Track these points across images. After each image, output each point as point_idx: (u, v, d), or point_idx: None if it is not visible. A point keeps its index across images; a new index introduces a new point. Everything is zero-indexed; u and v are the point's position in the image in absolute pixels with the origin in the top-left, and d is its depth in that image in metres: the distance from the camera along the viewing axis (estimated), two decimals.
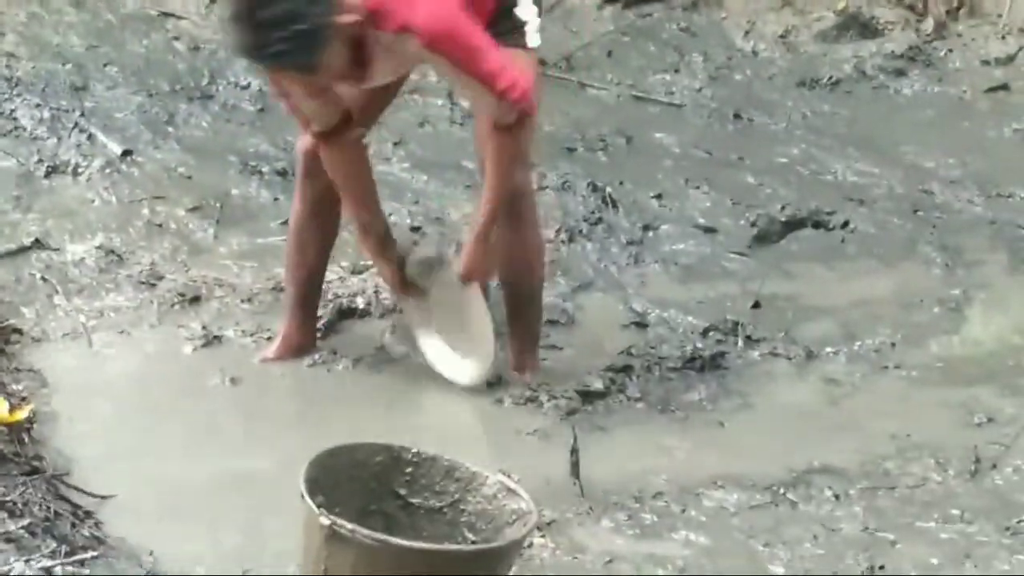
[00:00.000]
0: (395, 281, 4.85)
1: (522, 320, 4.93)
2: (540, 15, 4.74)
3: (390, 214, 5.69)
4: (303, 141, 4.83)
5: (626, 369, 5.00)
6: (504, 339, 4.92)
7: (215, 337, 5.04)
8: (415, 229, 5.77)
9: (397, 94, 4.99)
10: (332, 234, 4.96)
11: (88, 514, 3.96)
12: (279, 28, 4.17)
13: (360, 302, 5.24)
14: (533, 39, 4.70)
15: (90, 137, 6.19)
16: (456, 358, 4.84)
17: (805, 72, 7.38)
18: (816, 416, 4.86)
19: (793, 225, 6.04)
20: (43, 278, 5.31)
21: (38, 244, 5.49)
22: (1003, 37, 7.54)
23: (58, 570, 3.60)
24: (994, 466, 4.45)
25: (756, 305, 5.48)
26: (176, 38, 7.13)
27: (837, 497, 4.28)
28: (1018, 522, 4.16)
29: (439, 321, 4.85)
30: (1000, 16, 7.61)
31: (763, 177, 6.39)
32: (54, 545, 3.69)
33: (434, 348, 4.88)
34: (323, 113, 4.63)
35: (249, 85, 6.71)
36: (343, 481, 3.70)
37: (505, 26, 4.63)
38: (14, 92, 6.44)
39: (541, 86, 4.81)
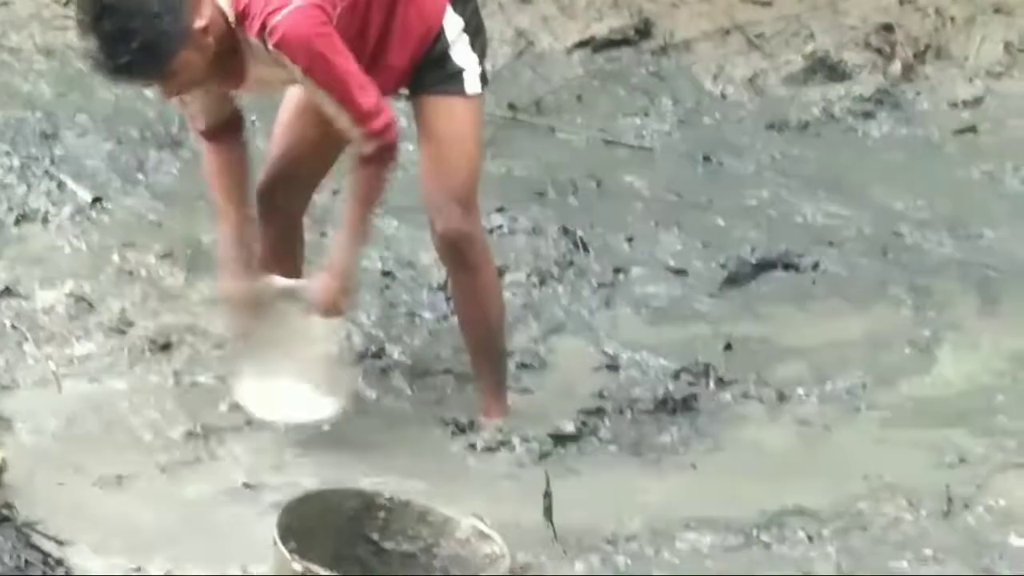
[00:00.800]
0: (233, 295, 4.74)
1: (485, 363, 4.92)
2: (483, 62, 4.70)
3: (361, 258, 5.71)
4: (259, 183, 4.82)
5: (598, 412, 5.00)
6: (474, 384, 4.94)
7: (186, 384, 5.02)
8: (386, 274, 5.76)
9: (341, 151, 4.96)
10: (296, 274, 4.94)
11: (59, 562, 3.94)
12: (124, 40, 4.13)
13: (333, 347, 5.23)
14: (472, 86, 4.67)
15: (60, 185, 6.17)
16: (275, 392, 4.70)
17: (774, 115, 7.41)
18: (788, 457, 4.86)
19: (763, 267, 6.05)
20: (13, 326, 5.28)
21: (8, 292, 5.47)
22: (970, 80, 7.58)
23: None
24: (966, 506, 4.45)
25: (727, 347, 5.49)
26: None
27: (810, 538, 4.28)
28: (990, 562, 4.17)
29: (270, 354, 4.71)
30: (967, 59, 7.66)
31: (733, 219, 6.40)
32: None
33: (251, 378, 4.73)
34: (210, 111, 4.61)
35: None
36: (316, 527, 3.69)
37: (441, 73, 4.63)
38: None
39: (483, 131, 4.84)
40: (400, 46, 4.57)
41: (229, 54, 4.37)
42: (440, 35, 4.62)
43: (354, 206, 4.60)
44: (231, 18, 4.33)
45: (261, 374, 4.73)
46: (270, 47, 4.32)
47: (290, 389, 4.70)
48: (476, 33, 4.69)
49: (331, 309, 4.66)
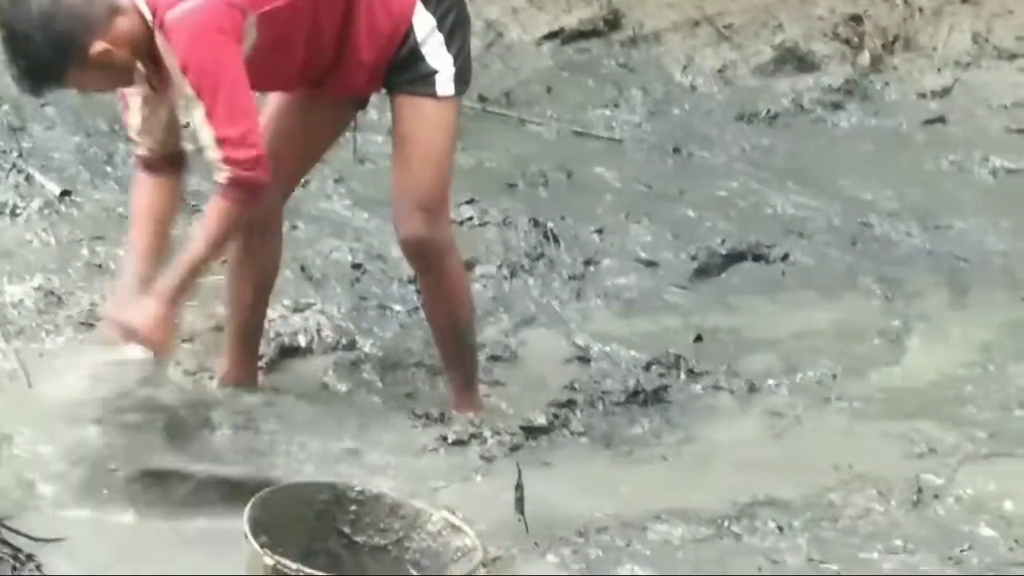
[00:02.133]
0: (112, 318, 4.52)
1: (454, 361, 4.90)
2: (459, 61, 4.58)
3: (331, 251, 5.70)
4: None
5: (569, 404, 5.00)
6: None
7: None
8: (356, 266, 5.75)
9: (328, 148, 4.95)
10: (270, 272, 4.91)
11: (30, 557, 3.93)
12: (12, 63, 4.27)
13: (302, 340, 5.22)
14: (444, 88, 4.56)
15: (28, 178, 6.15)
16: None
17: (743, 106, 7.43)
18: (759, 449, 4.87)
19: (733, 258, 6.06)
20: None
21: None
22: (939, 70, 7.61)
23: None
24: (936, 496, 4.47)
25: (698, 339, 5.49)
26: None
27: (781, 529, 4.29)
28: (961, 551, 4.19)
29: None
30: (935, 49, 7.69)
31: (703, 211, 6.42)
32: None
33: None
34: (155, 136, 4.53)
35: (187, 125, 6.68)
36: (287, 520, 3.69)
37: (412, 73, 4.55)
38: None
39: (460, 131, 4.74)
40: (368, 43, 4.51)
41: (155, 59, 4.35)
42: (409, 33, 4.53)
43: (196, 238, 4.36)
44: (148, 19, 4.31)
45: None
46: (159, 37, 4.27)
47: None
48: (452, 31, 4.57)
49: (150, 336, 4.35)
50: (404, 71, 4.56)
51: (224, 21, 4.26)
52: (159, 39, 4.30)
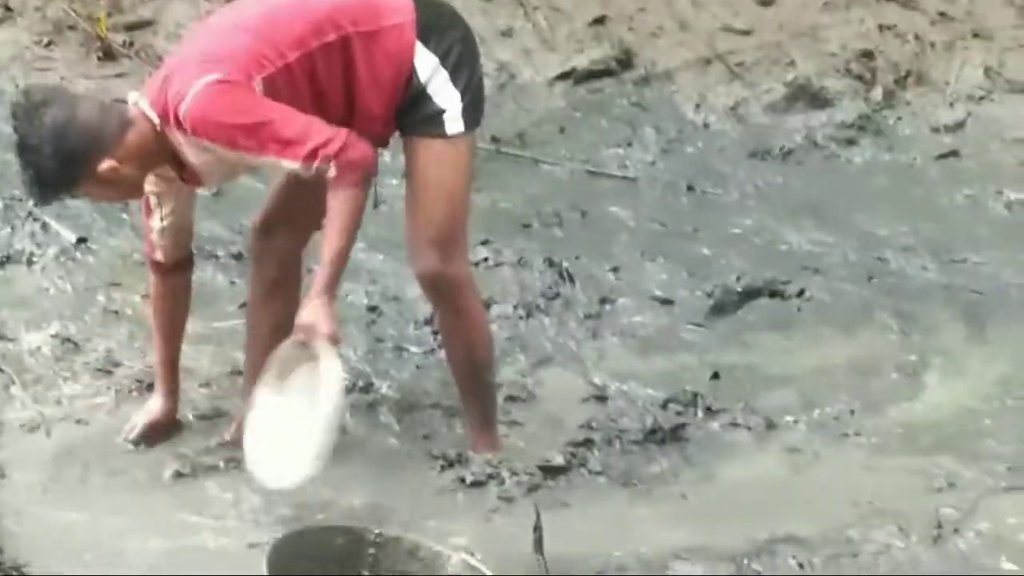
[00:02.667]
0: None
1: (473, 399, 4.90)
2: (467, 99, 4.58)
3: (347, 294, 5.70)
4: (253, 225, 4.84)
5: (587, 443, 5.00)
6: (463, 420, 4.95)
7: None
8: (372, 308, 5.76)
9: None
10: (289, 317, 4.90)
11: None
12: (25, 167, 4.39)
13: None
14: (453, 126, 4.58)
15: (44, 226, 6.17)
16: (281, 454, 4.44)
17: (756, 143, 7.43)
18: (778, 485, 4.86)
19: (749, 295, 6.05)
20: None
21: None
22: (951, 104, 7.61)
23: None
24: (956, 531, 4.45)
25: (715, 376, 5.49)
26: None
27: (801, 566, 4.28)
28: None
29: (281, 414, 4.48)
30: (948, 84, 7.69)
31: (718, 248, 6.41)
32: None
33: (258, 441, 4.47)
34: (171, 240, 4.72)
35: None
36: (305, 565, 3.69)
37: (420, 114, 4.56)
38: None
39: (468, 166, 4.72)
40: (375, 93, 4.51)
41: (172, 155, 4.45)
42: (413, 74, 4.54)
43: (331, 233, 4.46)
44: (156, 123, 4.39)
45: (263, 428, 4.51)
46: (189, 136, 4.37)
47: (279, 447, 4.46)
48: (457, 67, 4.57)
49: (319, 331, 4.43)
50: (412, 112, 4.57)
51: (226, 87, 4.33)
52: (181, 137, 4.37)
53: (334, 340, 4.42)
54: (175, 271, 4.79)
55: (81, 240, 6.09)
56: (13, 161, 6.45)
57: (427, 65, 4.55)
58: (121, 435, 4.91)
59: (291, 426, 4.40)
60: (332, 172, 4.38)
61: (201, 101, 4.31)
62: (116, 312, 5.65)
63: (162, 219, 4.68)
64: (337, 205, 4.43)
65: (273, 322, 4.88)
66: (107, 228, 6.23)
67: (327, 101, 4.47)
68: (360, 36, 4.49)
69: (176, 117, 4.34)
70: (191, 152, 4.42)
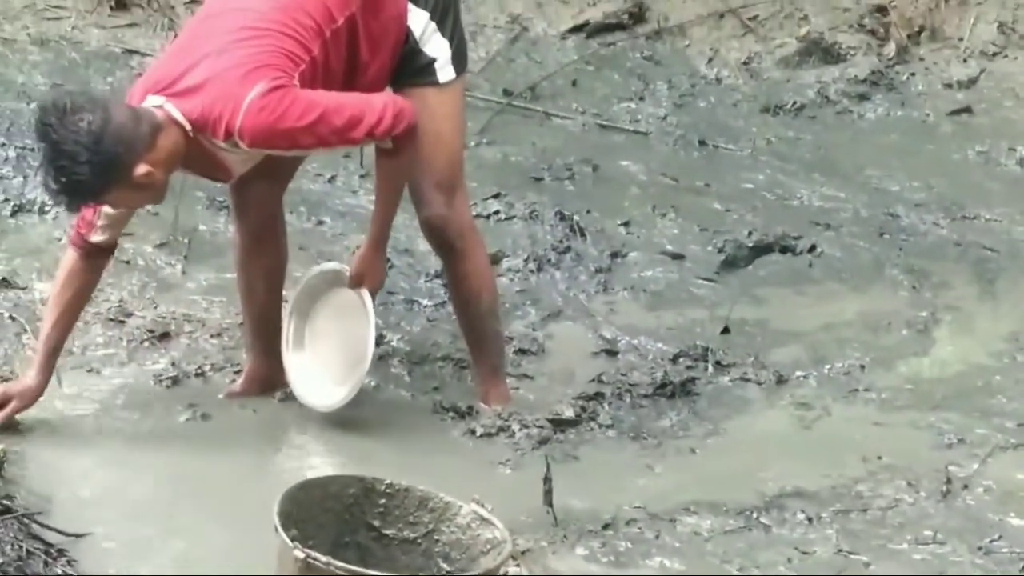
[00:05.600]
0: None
1: (480, 348, 4.92)
2: (455, 43, 4.67)
3: (358, 246, 5.70)
4: (235, 180, 4.81)
5: (597, 397, 5.01)
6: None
7: (185, 374, 5.02)
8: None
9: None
10: (279, 267, 4.94)
11: (61, 552, 3.94)
12: (55, 173, 4.27)
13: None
14: (444, 74, 4.66)
15: None
16: (324, 379, 4.79)
17: (769, 98, 7.42)
18: (787, 440, 4.87)
19: (760, 250, 6.06)
20: (11, 317, 5.28)
21: (5, 283, 5.46)
22: (964, 60, 7.59)
23: None
24: (965, 486, 4.46)
25: (725, 331, 5.49)
26: (140, 75, 7.11)
27: (810, 520, 4.29)
28: (990, 541, 4.18)
29: (318, 341, 4.83)
30: (961, 40, 7.66)
31: (729, 203, 6.41)
32: None
33: (301, 367, 4.83)
34: (114, 231, 4.64)
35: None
36: (316, 513, 3.70)
37: (412, 66, 4.64)
38: None
39: (459, 111, 4.78)
40: (374, 61, 4.57)
41: (203, 156, 4.43)
42: (409, 35, 4.62)
43: (385, 190, 4.62)
44: (188, 129, 4.36)
45: (304, 351, 4.84)
46: (246, 148, 4.37)
47: (319, 370, 4.81)
48: (444, 16, 4.66)
49: (369, 279, 4.70)
50: (405, 65, 4.64)
51: (273, 95, 4.32)
52: (220, 142, 4.35)
53: (377, 290, 4.74)
54: (103, 253, 4.69)
55: None
56: (26, 111, 6.57)
57: (420, 22, 4.63)
58: None
59: (328, 352, 4.79)
60: (389, 144, 4.46)
61: (257, 114, 4.29)
62: (128, 262, 5.65)
63: (114, 211, 4.59)
64: (391, 167, 4.55)
65: (263, 273, 4.91)
66: None
67: (333, 80, 4.49)
68: (361, 13, 4.52)
69: (228, 132, 4.32)
70: (226, 154, 4.42)
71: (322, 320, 4.84)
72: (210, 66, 4.38)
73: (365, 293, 4.70)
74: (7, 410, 4.62)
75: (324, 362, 4.81)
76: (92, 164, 4.23)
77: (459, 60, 4.72)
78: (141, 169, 4.30)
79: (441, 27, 4.66)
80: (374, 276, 4.72)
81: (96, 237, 4.63)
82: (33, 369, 4.70)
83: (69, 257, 4.68)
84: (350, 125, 4.38)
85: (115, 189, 4.32)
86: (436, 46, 4.66)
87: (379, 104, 4.43)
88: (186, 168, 4.50)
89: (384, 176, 4.60)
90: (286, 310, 4.87)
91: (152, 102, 4.39)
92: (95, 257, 4.67)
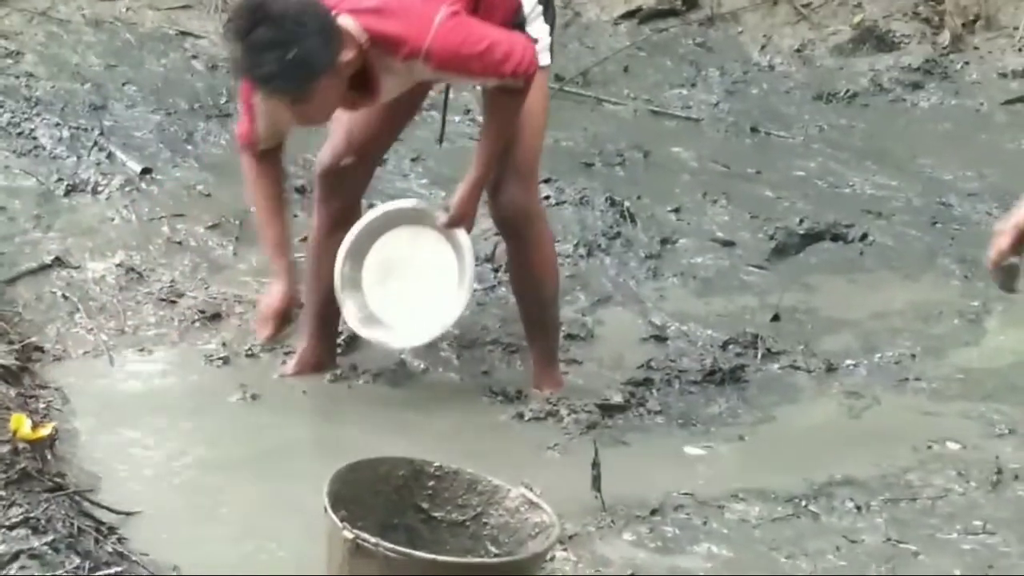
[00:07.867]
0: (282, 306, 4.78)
1: (539, 335, 4.93)
2: (552, 33, 4.72)
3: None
4: (321, 162, 4.84)
5: (646, 383, 5.01)
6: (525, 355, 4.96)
7: (235, 354, 5.05)
8: None
9: (411, 119, 5.00)
10: None
11: (112, 530, 3.96)
12: (273, 51, 4.20)
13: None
14: (543, 58, 4.67)
15: (109, 156, 6.20)
16: (408, 315, 4.77)
17: (822, 86, 7.39)
18: (837, 428, 4.86)
19: (811, 238, 6.04)
20: (64, 296, 5.32)
21: (59, 262, 5.50)
22: (1020, 50, 7.55)
23: None
24: (1016, 477, 4.44)
25: (775, 318, 5.48)
26: (194, 57, 7.16)
27: (859, 509, 4.28)
28: None
29: (399, 277, 4.80)
30: (1016, 29, 7.63)
31: (781, 191, 6.40)
32: (78, 561, 3.69)
33: (377, 304, 4.79)
34: (272, 137, 4.68)
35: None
36: (366, 495, 3.71)
37: None
38: (34, 112, 6.46)
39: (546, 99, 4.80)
40: (486, 19, 4.55)
41: (361, 76, 4.42)
42: (519, 9, 4.64)
43: (497, 128, 4.58)
44: (363, 41, 4.36)
45: (388, 288, 4.80)
46: (429, 69, 4.39)
47: (404, 307, 4.78)
48: (548, 3, 4.72)
49: (465, 219, 4.68)
50: None
51: (457, 16, 4.37)
52: (395, 62, 4.37)
53: (464, 224, 4.69)
54: (272, 152, 4.75)
55: (146, 171, 6.12)
56: (80, 91, 6.61)
57: (530, 1, 4.67)
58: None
59: (414, 287, 4.77)
60: (516, 85, 4.48)
61: (446, 35, 4.33)
62: (180, 243, 5.68)
63: (268, 124, 4.64)
64: (507, 104, 4.53)
65: (332, 257, 4.91)
66: (172, 159, 6.26)
67: None
68: None
69: (412, 51, 4.33)
70: (389, 76, 4.44)
71: (389, 260, 4.79)
72: None
73: (461, 232, 4.68)
74: (273, 322, 4.75)
75: (403, 300, 4.78)
76: (322, 34, 4.23)
77: (552, 48, 4.75)
78: (347, 55, 4.31)
79: (545, 12, 4.71)
80: (471, 217, 4.69)
81: (259, 146, 4.71)
82: (274, 273, 4.78)
83: (247, 162, 4.75)
84: (504, 59, 4.41)
85: (328, 74, 4.28)
86: (539, 29, 4.69)
87: (520, 44, 4.47)
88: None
89: (496, 114, 4.56)
90: (342, 248, 4.80)
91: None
92: (268, 156, 4.73)
